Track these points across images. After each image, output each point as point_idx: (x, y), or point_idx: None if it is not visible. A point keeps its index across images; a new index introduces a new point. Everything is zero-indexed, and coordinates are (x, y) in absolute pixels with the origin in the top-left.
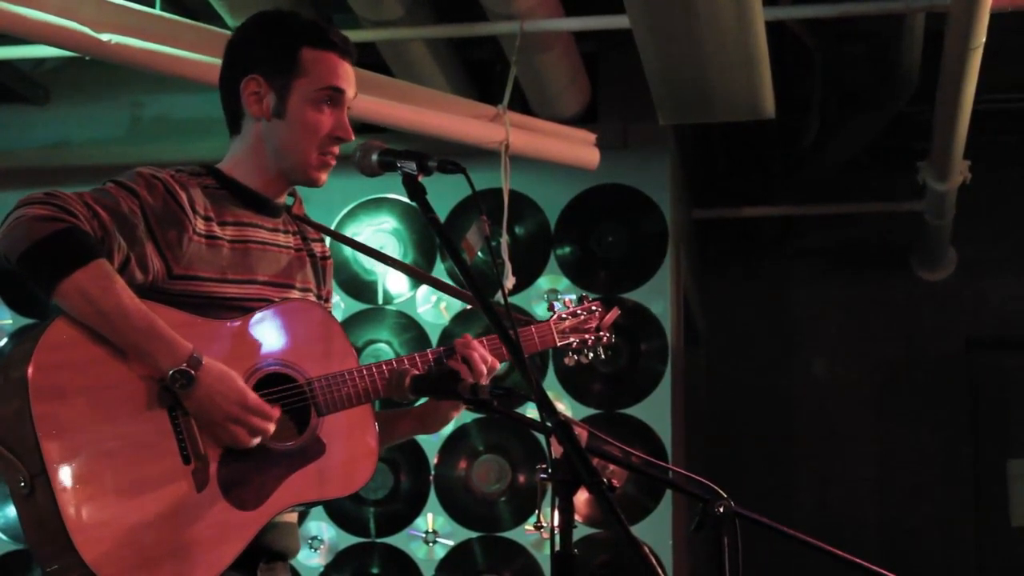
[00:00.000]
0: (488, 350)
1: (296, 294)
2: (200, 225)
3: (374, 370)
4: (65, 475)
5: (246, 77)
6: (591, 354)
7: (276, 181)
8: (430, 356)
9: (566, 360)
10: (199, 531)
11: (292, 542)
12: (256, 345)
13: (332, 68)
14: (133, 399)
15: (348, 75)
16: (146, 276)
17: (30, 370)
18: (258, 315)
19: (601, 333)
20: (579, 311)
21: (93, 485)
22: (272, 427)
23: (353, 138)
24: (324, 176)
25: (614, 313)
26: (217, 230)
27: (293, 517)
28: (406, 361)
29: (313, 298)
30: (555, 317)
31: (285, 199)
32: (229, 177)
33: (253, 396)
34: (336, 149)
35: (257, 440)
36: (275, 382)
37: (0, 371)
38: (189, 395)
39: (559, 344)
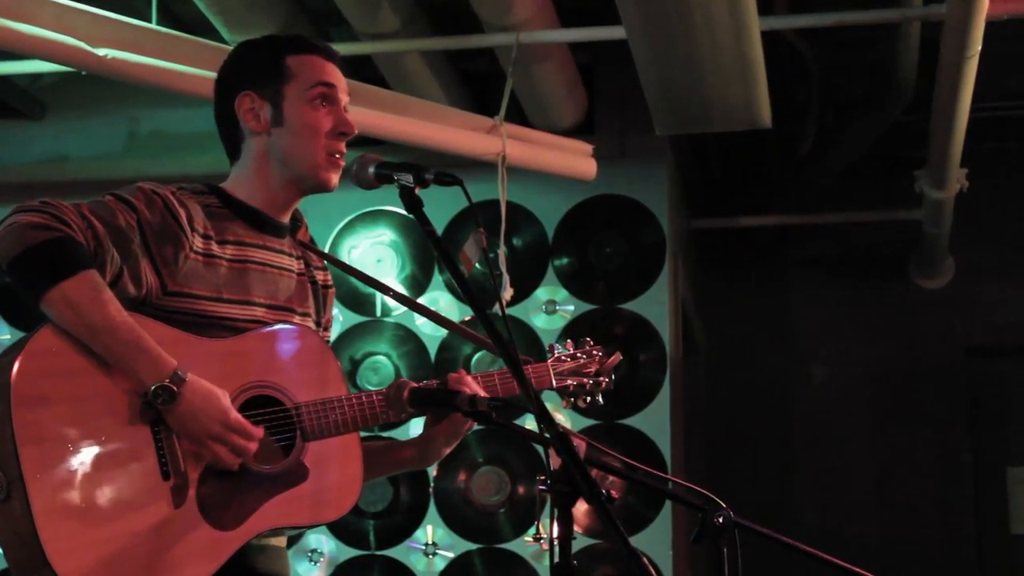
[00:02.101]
0: (482, 386)
1: (296, 319)
2: (198, 243)
3: (364, 399)
4: (41, 483)
5: (239, 96)
6: (589, 398)
7: (283, 196)
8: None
9: (563, 403)
10: (174, 548)
11: (282, 567)
12: (246, 366)
13: (319, 67)
14: (116, 412)
15: (336, 74)
16: (139, 291)
17: (14, 375)
18: (250, 336)
19: (601, 378)
20: (579, 354)
21: (69, 495)
22: (254, 447)
23: (356, 131)
24: (335, 177)
25: (615, 358)
26: (216, 249)
27: (282, 541)
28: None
29: (312, 324)
30: (553, 359)
31: (289, 221)
32: (232, 196)
33: (235, 415)
34: (343, 147)
35: (239, 460)
36: (263, 404)
37: None
38: (171, 411)
39: (556, 386)
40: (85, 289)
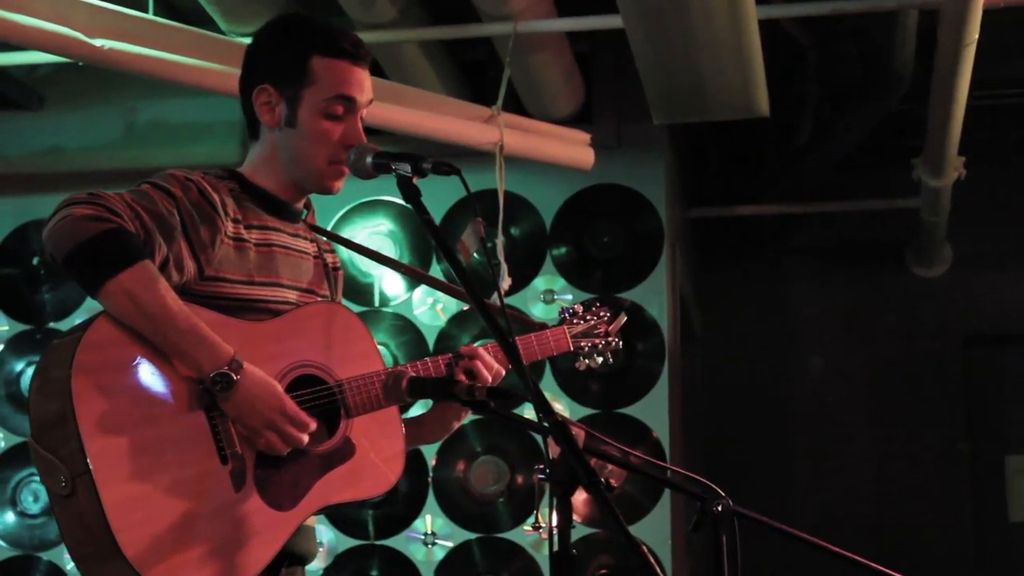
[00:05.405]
0: (494, 357)
1: (318, 299)
2: (230, 227)
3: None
4: (109, 475)
5: (257, 87)
6: (600, 358)
7: (293, 187)
8: (441, 363)
9: (577, 364)
10: (238, 531)
11: (312, 546)
12: (287, 347)
13: (343, 76)
14: (172, 400)
15: (360, 82)
16: (181, 277)
17: (73, 370)
18: (288, 317)
19: (610, 338)
20: (589, 316)
21: (136, 485)
22: (306, 438)
23: (364, 143)
24: (338, 185)
25: (622, 318)
26: (244, 233)
27: (312, 521)
28: (430, 363)
29: None
30: (568, 322)
31: (302, 206)
32: (251, 182)
33: (291, 404)
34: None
35: (288, 449)
36: (306, 384)
37: (40, 371)
38: (228, 398)
39: (572, 349)
40: (142, 279)
